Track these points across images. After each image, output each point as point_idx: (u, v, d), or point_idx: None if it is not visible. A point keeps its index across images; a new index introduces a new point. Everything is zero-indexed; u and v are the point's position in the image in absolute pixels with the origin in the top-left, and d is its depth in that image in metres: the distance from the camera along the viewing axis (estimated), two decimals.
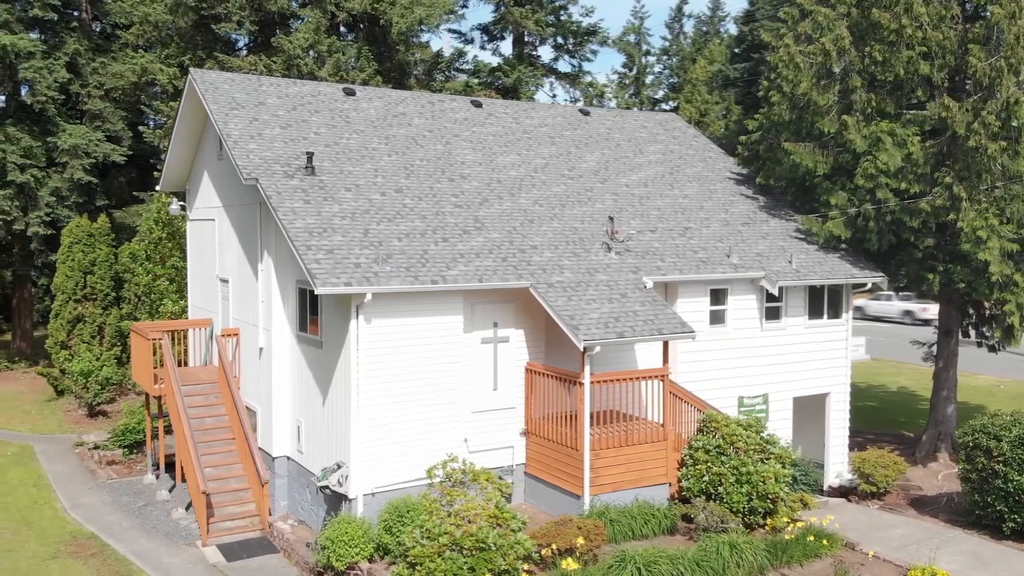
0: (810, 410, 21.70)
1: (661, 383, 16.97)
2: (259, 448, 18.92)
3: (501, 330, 17.36)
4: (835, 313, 21.43)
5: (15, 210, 29.95)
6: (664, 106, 71.12)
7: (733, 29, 69.06)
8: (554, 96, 39.25)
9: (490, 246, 17.48)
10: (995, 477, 16.85)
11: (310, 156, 18.03)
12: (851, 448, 22.49)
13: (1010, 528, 16.85)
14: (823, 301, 21.16)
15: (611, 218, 18.97)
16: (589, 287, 17.19)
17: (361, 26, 34.36)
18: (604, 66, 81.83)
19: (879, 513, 18.94)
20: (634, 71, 71.12)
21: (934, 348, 23.64)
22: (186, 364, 23.39)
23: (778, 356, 20.47)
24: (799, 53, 20.87)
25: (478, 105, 23.73)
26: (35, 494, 20.24)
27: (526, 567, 13.20)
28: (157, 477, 21.17)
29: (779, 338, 20.51)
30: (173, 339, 23.20)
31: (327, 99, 21.45)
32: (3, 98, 31.75)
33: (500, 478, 17.23)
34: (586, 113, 25.73)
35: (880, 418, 28.42)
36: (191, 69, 20.78)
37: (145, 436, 22.44)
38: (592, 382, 16.07)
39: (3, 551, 16.83)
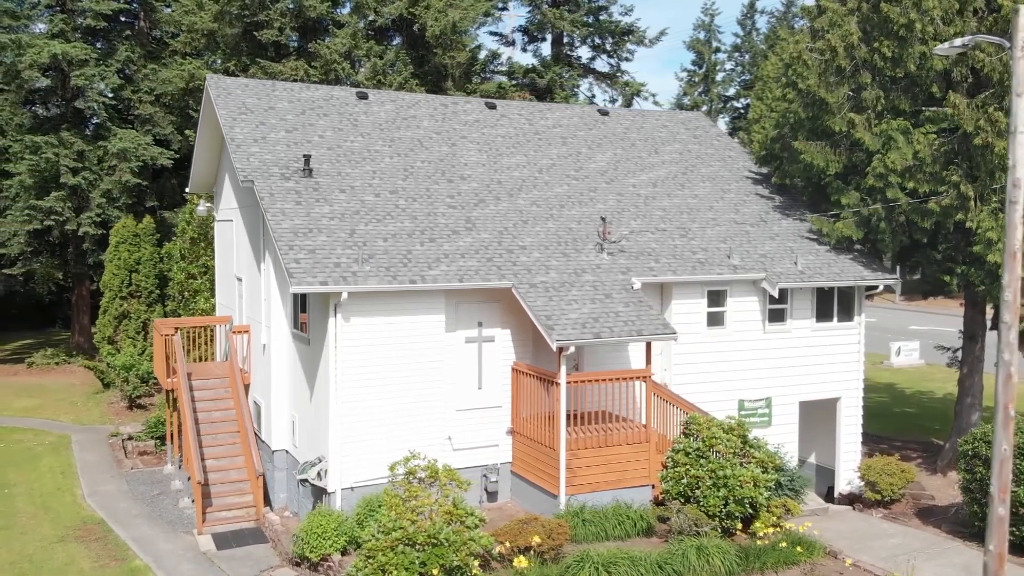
0: (824, 415, 21.24)
1: (644, 384, 16.90)
2: (263, 441, 19.60)
3: (487, 329, 17.53)
4: (846, 316, 20.90)
5: (68, 211, 31.53)
6: (735, 103, 70.32)
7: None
8: (592, 96, 39.14)
9: (477, 246, 17.68)
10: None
11: (307, 158, 18.55)
12: (870, 454, 21.94)
13: (1008, 541, 16.18)
14: (832, 303, 20.67)
15: (603, 219, 18.94)
16: (573, 287, 17.23)
17: (401, 30, 34.93)
18: (674, 64, 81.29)
19: (879, 522, 18.43)
20: (704, 68, 70.44)
21: (959, 353, 22.79)
22: (212, 359, 24.27)
23: (782, 359, 20.08)
24: (806, 50, 20.45)
25: (492, 107, 23.94)
26: (60, 481, 21.31)
27: (478, 563, 13.35)
28: (179, 468, 22.04)
29: (784, 341, 20.12)
30: (202, 336, 24.15)
31: (339, 103, 21.98)
32: (62, 103, 33.41)
33: (484, 476, 17.51)
34: (605, 113, 25.68)
35: (913, 425, 27.54)
36: (207, 76, 21.57)
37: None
38: (569, 382, 16.12)
39: (17, 533, 17.82)
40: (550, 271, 17.54)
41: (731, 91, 70.25)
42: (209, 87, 21.00)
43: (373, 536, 13.42)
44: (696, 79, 69.46)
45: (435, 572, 12.81)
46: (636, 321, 16.62)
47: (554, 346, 15.61)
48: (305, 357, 17.57)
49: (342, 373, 16.00)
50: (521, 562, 13.44)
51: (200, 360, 23.67)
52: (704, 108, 68.16)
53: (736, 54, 71.83)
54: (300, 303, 17.71)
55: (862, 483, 20.04)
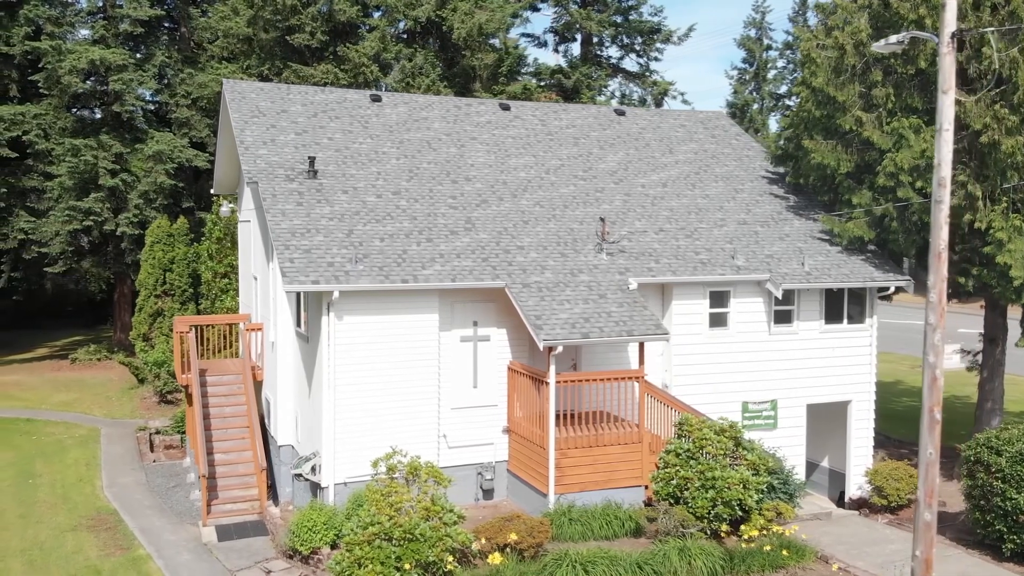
0: (837, 418, 20.89)
1: (636, 384, 16.87)
2: (272, 437, 20.06)
3: (482, 329, 17.68)
4: (858, 317, 20.54)
5: (106, 211, 32.58)
6: (787, 101, 69.44)
7: None
8: (623, 96, 39.01)
9: (474, 246, 17.85)
10: (994, 494, 15.88)
11: (312, 160, 18.92)
12: (888, 459, 21.52)
13: (1009, 549, 15.83)
14: (842, 305, 20.33)
15: (602, 219, 18.95)
16: (567, 288, 17.28)
17: (430, 33, 35.31)
18: (724, 62, 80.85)
19: (882, 527, 18.12)
20: (755, 66, 69.68)
21: (979, 357, 22.23)
22: (237, 356, 24.88)
23: (789, 361, 19.82)
24: (815, 48, 20.17)
25: (506, 108, 24.08)
26: (83, 473, 22.05)
27: (452, 559, 13.51)
28: (195, 461, 22.65)
29: (790, 343, 19.86)
30: (232, 333, 24.82)
31: (351, 105, 22.34)
32: (102, 108, 34.53)
33: (480, 474, 17.69)
34: (621, 113, 25.63)
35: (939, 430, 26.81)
36: (223, 80, 22.13)
37: None
38: (559, 382, 16.18)
39: (34, 522, 18.53)
40: (546, 271, 17.62)
41: (782, 89, 69.28)
42: (225, 91, 21.55)
43: (352, 530, 13.68)
44: (747, 77, 68.70)
45: (408, 566, 13.01)
46: (628, 321, 16.61)
47: (541, 345, 15.71)
48: (305, 354, 17.95)
49: (335, 370, 16.32)
50: (495, 558, 13.58)
51: (232, 356, 24.34)
52: (755, 106, 67.38)
53: (788, 51, 70.78)
54: (303, 302, 18.08)
55: (870, 488, 19.69)
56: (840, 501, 20.89)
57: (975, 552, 16.45)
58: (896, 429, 26.46)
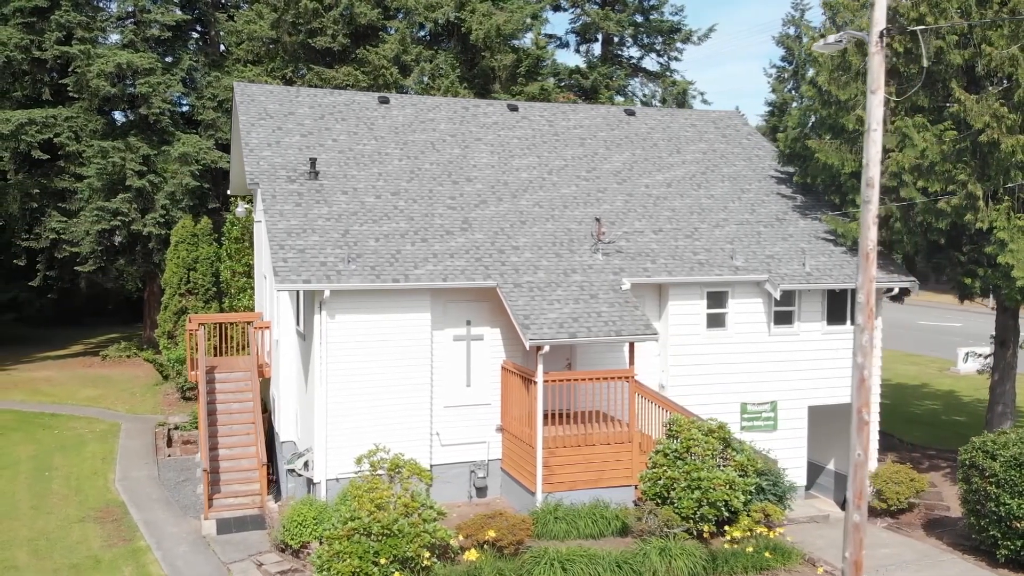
0: (844, 421, 20.65)
1: (626, 384, 16.90)
2: (277, 433, 20.44)
3: (477, 328, 17.84)
4: None
5: (134, 212, 33.38)
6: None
7: None
8: (646, 96, 38.90)
9: (469, 246, 18.01)
10: (988, 499, 15.63)
11: (313, 161, 19.26)
12: (899, 463, 21.24)
13: (1004, 555, 15.57)
14: (845, 306, 20.12)
15: (597, 219, 19.00)
16: (559, 287, 17.37)
17: (451, 35, 35.58)
18: (763, 60, 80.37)
19: (880, 531, 17.92)
20: (793, 64, 68.99)
21: (990, 360, 21.83)
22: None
23: (790, 363, 19.68)
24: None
25: (514, 109, 24.22)
26: (98, 466, 22.66)
27: (428, 554, 13.69)
28: None
29: (791, 344, 19.71)
30: (242, 331, 25.28)
31: (359, 107, 22.66)
32: (130, 110, 35.38)
33: (472, 472, 17.86)
34: (631, 113, 25.61)
35: (956, 434, 26.35)
36: (235, 83, 22.59)
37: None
38: (547, 381, 16.28)
39: (44, 513, 19.12)
40: (539, 271, 17.73)
41: None
42: (236, 94, 22.01)
43: (333, 525, 13.95)
44: (785, 75, 68.00)
45: (384, 561, 13.23)
46: (618, 322, 16.65)
47: (527, 345, 15.83)
48: (303, 352, 18.28)
49: (327, 367, 16.60)
50: (471, 555, 13.74)
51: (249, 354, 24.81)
52: (794, 104, 66.66)
53: None
54: (301, 301, 18.40)
55: (872, 491, 19.46)
56: (845, 504, 20.64)
57: (970, 557, 16.20)
58: (911, 432, 26.09)
